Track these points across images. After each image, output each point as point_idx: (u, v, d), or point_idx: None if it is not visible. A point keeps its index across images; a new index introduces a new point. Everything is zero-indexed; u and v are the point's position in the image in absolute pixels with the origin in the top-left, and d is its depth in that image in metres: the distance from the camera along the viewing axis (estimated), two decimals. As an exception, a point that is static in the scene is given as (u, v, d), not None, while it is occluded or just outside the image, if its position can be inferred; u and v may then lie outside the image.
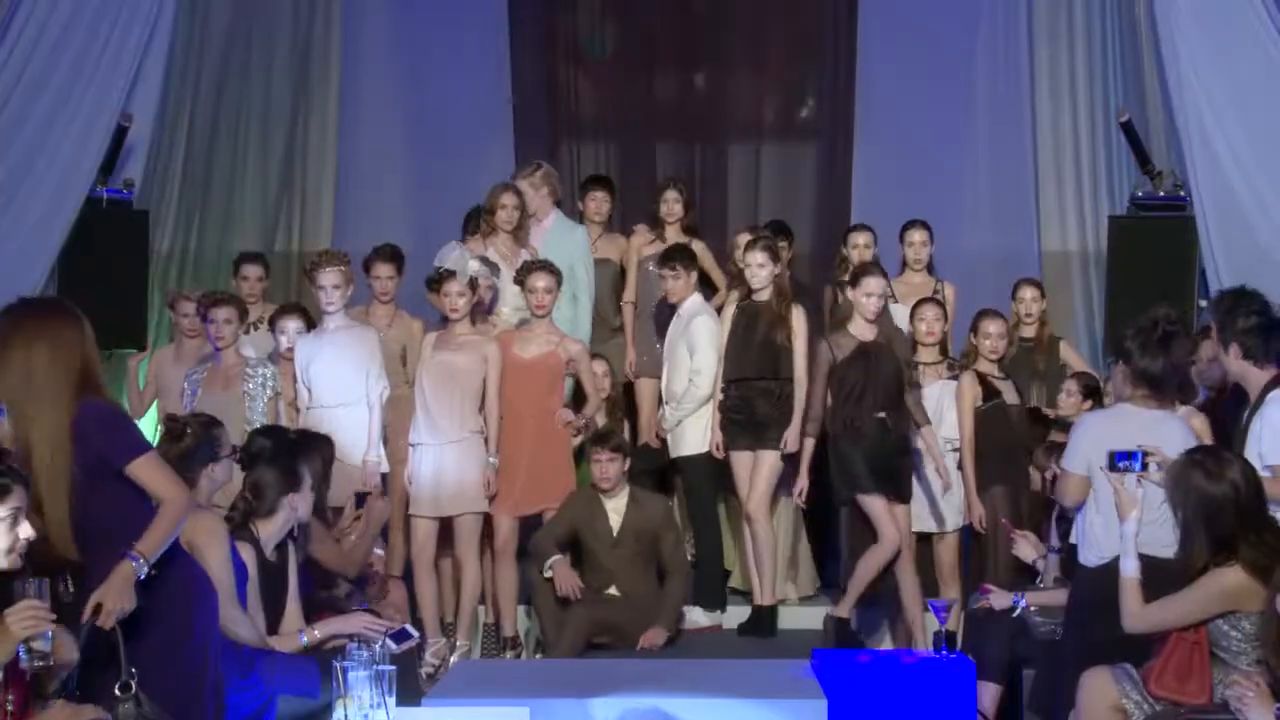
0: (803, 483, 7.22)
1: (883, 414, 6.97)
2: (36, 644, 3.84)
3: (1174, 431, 5.20)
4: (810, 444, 7.17)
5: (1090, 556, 5.27)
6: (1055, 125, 9.58)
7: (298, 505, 5.53)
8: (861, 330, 7.12)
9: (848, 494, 7.03)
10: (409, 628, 5.73)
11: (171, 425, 5.43)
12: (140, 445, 4.35)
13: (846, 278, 8.09)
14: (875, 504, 6.95)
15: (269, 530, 5.46)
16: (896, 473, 7.04)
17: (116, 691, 4.10)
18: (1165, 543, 4.88)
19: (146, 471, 4.28)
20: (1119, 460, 4.96)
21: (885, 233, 8.27)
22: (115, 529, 4.22)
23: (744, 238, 7.96)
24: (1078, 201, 9.52)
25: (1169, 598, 4.69)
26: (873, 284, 7.12)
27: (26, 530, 3.95)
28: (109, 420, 4.31)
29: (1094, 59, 9.47)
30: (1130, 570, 4.82)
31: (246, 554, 5.29)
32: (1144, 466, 4.95)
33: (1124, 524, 4.90)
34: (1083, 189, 9.50)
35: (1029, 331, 7.75)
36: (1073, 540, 5.57)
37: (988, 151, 9.93)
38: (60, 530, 4.15)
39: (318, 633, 5.44)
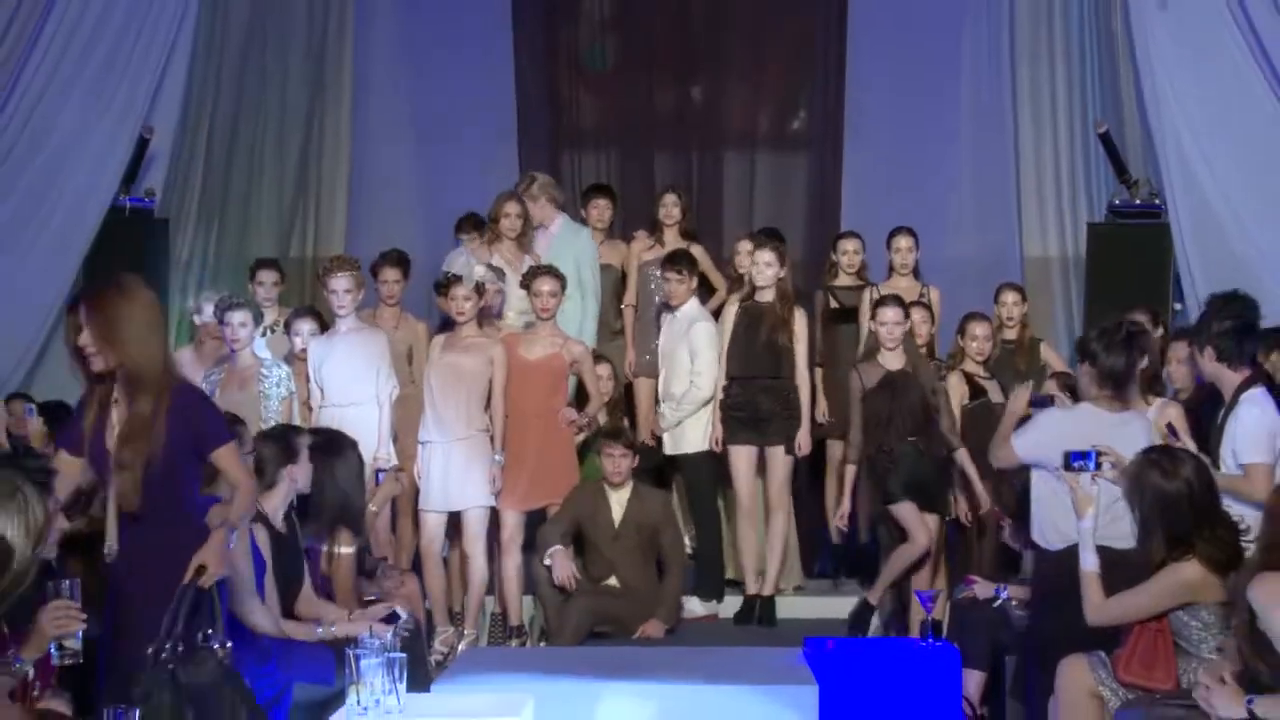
0: (845, 507, 7.29)
1: (913, 438, 7.08)
2: (68, 642, 4.06)
3: (1136, 434, 5.33)
4: (852, 470, 7.26)
5: (1054, 541, 5.40)
6: (1036, 136, 9.76)
7: (297, 476, 5.69)
8: (888, 360, 7.24)
9: (880, 506, 7.05)
10: (398, 611, 5.87)
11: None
12: (228, 433, 4.56)
13: (836, 282, 8.28)
14: (906, 509, 7.00)
15: (273, 503, 5.61)
16: (931, 489, 7.11)
17: (215, 646, 4.28)
18: (1123, 534, 5.02)
19: (229, 459, 4.49)
20: (1074, 460, 5.11)
21: (873, 239, 8.35)
22: (166, 510, 4.40)
23: (745, 244, 8.08)
24: (1058, 209, 9.70)
25: (1129, 591, 4.82)
26: (888, 313, 7.24)
27: (63, 523, 4.22)
28: (207, 405, 4.54)
29: (1073, 73, 9.66)
30: (1090, 565, 4.95)
31: (260, 533, 5.43)
32: (1098, 466, 5.10)
33: (1081, 521, 5.03)
34: (1062, 197, 9.69)
35: (1011, 334, 7.84)
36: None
37: (972, 161, 10.08)
38: (132, 485, 4.31)
39: (335, 631, 5.55)
